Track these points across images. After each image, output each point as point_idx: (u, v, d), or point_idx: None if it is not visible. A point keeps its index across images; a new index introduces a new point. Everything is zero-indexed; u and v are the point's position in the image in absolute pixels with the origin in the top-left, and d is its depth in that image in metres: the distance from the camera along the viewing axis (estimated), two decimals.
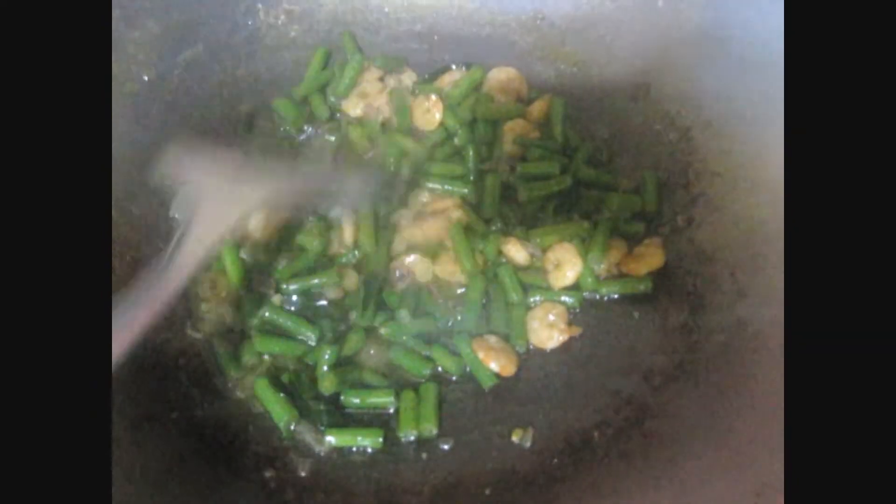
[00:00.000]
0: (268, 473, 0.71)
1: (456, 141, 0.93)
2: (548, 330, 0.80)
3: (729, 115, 0.84)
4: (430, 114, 0.94)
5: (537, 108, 0.94)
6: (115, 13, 0.87)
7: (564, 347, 0.80)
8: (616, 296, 0.83)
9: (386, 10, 1.01)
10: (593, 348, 0.80)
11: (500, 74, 0.97)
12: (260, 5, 0.98)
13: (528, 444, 0.73)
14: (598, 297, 0.83)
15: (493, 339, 0.80)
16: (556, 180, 0.88)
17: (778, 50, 0.77)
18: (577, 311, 0.83)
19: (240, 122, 0.95)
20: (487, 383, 0.77)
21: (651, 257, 0.82)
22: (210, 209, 0.73)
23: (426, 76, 0.99)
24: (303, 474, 0.71)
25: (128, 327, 0.61)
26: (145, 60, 0.91)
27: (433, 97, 0.94)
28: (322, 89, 0.97)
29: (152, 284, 0.66)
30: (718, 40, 0.85)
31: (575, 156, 0.91)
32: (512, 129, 0.92)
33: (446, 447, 0.74)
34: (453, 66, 0.99)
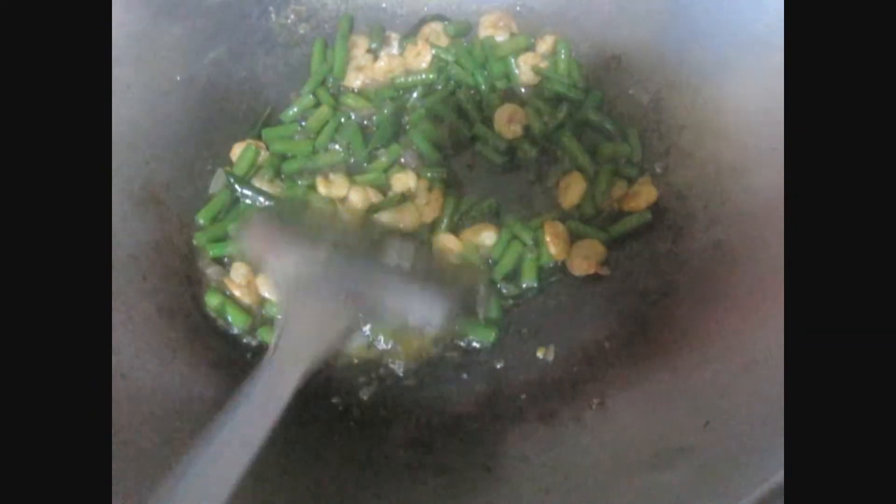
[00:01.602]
0: (335, 399, 0.83)
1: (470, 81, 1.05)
2: (585, 261, 0.91)
3: (690, 75, 0.97)
4: (420, 56, 1.07)
5: (545, 44, 1.07)
6: (149, 11, 0.98)
7: (573, 280, 0.93)
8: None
9: (384, 5, 1.12)
10: (596, 277, 0.92)
11: (491, 16, 1.09)
12: (271, 8, 1.09)
13: (550, 359, 0.86)
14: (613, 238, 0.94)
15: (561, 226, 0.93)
16: (553, 114, 1.02)
17: (727, 17, 0.93)
18: None
19: (262, 118, 1.05)
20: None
21: (647, 193, 0.94)
22: (302, 326, 0.67)
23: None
24: (364, 398, 0.83)
25: (228, 469, 0.56)
26: (177, 62, 1.02)
27: (420, 41, 1.07)
28: (324, 81, 1.08)
29: (252, 409, 0.60)
30: (676, 14, 0.99)
31: (588, 97, 1.03)
32: (525, 61, 1.06)
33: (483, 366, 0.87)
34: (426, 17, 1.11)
